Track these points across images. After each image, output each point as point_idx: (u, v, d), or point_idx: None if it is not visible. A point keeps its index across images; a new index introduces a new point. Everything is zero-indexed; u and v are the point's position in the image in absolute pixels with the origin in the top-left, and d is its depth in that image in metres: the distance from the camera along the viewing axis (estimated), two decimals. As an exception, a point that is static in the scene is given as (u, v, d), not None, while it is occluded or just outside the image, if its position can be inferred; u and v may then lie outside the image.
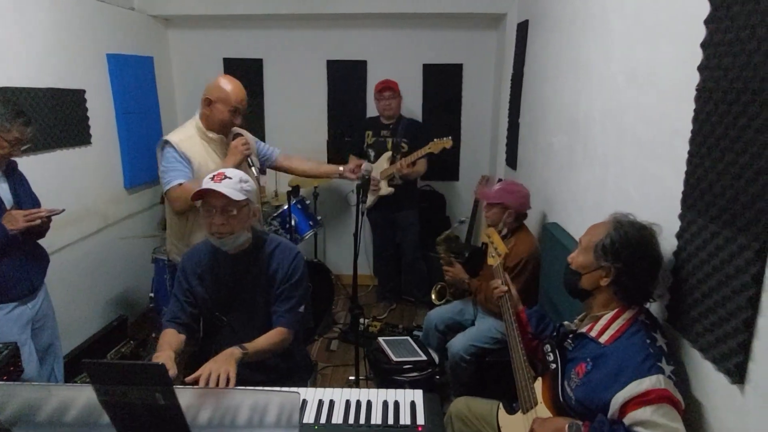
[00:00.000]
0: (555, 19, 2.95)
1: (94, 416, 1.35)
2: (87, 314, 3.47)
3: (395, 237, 4.34)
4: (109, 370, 1.21)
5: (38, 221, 2.29)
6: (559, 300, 2.39)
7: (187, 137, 2.59)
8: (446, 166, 4.66)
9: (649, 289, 1.57)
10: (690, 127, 1.50)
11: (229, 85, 2.61)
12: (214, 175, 1.86)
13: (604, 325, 1.59)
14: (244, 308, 2.03)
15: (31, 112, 2.89)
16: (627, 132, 1.98)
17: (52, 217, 2.39)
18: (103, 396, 1.23)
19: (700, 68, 1.46)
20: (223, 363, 1.67)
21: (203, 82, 2.75)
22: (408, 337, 3.16)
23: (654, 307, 1.69)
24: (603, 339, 1.57)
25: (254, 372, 1.96)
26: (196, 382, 1.61)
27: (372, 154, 4.09)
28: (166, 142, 2.55)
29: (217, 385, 1.58)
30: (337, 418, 1.52)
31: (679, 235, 1.55)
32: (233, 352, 1.75)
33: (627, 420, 1.38)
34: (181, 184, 2.46)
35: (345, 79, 4.62)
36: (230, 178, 1.85)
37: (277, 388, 1.56)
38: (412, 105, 4.58)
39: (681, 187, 1.54)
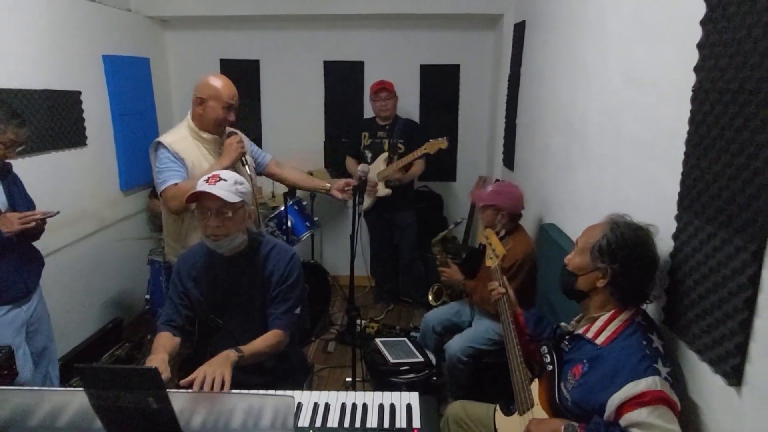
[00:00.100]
0: (552, 20, 2.94)
1: (87, 421, 1.34)
2: (82, 316, 3.46)
3: (392, 238, 4.32)
4: (102, 375, 1.20)
5: (33, 223, 2.28)
6: (556, 301, 2.39)
7: (181, 138, 2.58)
8: (443, 166, 4.66)
9: (645, 290, 1.57)
10: (686, 128, 1.50)
11: (219, 81, 2.59)
12: (208, 178, 1.85)
13: (601, 327, 1.58)
14: (239, 311, 2.02)
15: (26, 114, 2.88)
16: (624, 133, 1.97)
17: (47, 219, 2.38)
18: (95, 400, 1.22)
19: (696, 69, 1.46)
20: (219, 366, 1.66)
21: (200, 83, 2.74)
22: (405, 339, 3.15)
23: (651, 309, 1.68)
24: (599, 340, 1.56)
25: (250, 374, 1.94)
26: (191, 386, 1.60)
27: (369, 155, 4.11)
28: (159, 143, 2.53)
29: (212, 388, 1.57)
30: (333, 421, 1.51)
31: (675, 237, 1.55)
32: (228, 355, 1.74)
33: (623, 421, 1.38)
34: (176, 184, 2.45)
35: (342, 79, 4.62)
36: (225, 180, 1.84)
37: (272, 392, 1.56)
38: (410, 106, 4.57)
39: (677, 188, 1.54)
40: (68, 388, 1.47)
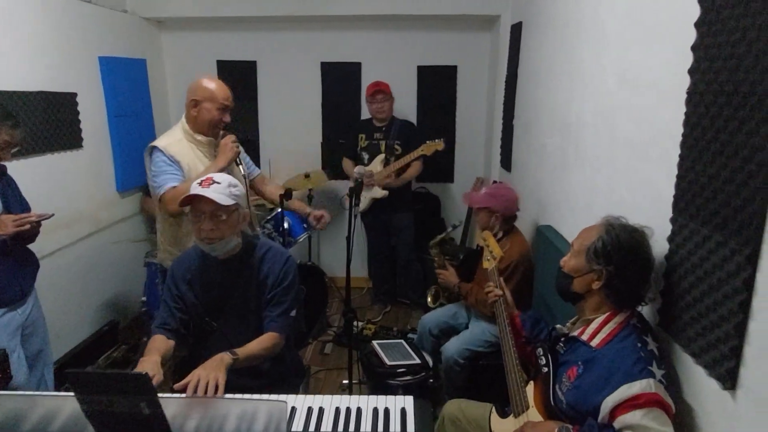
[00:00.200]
0: (548, 21, 2.94)
1: (80, 426, 1.33)
2: (78, 319, 3.45)
3: (390, 239, 4.32)
4: (93, 380, 1.19)
5: (28, 226, 2.26)
6: (553, 303, 2.38)
7: (176, 141, 2.58)
8: (441, 168, 4.65)
9: (640, 292, 1.56)
10: (681, 130, 1.49)
11: (212, 83, 2.59)
12: (202, 180, 1.84)
13: (596, 329, 1.58)
14: (234, 313, 2.01)
15: (21, 116, 2.87)
16: (619, 134, 1.97)
17: (42, 222, 2.37)
18: (87, 406, 1.21)
19: (691, 71, 1.45)
20: (213, 369, 1.65)
21: (197, 84, 2.74)
22: (402, 341, 3.14)
23: (646, 311, 1.68)
24: (594, 342, 1.56)
25: (245, 377, 1.93)
26: (184, 389, 1.59)
27: (366, 157, 4.10)
28: (154, 147, 2.53)
29: (206, 392, 1.56)
30: (327, 425, 1.50)
31: (670, 239, 1.54)
32: (223, 358, 1.73)
33: (617, 424, 1.37)
34: (174, 187, 2.44)
35: (339, 81, 4.61)
36: (219, 182, 1.83)
37: (265, 396, 1.55)
38: (407, 107, 4.56)
39: (672, 191, 1.53)
40: (60, 393, 1.45)
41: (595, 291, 1.58)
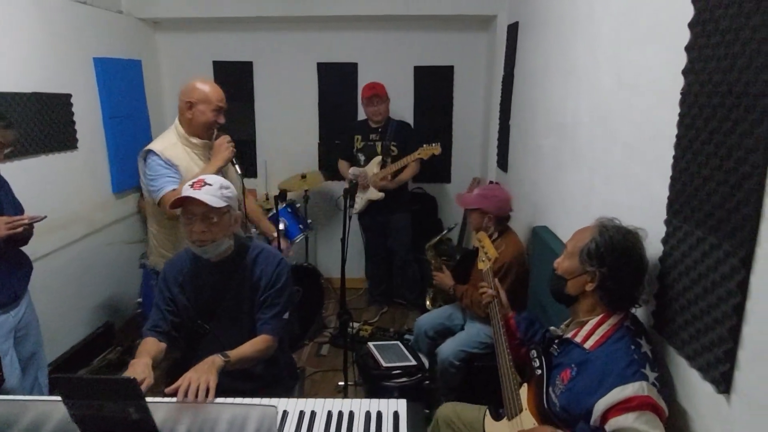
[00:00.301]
0: (544, 21, 2.93)
1: (70, 431, 1.32)
2: (73, 321, 3.43)
3: (387, 240, 4.30)
4: (80, 385, 1.17)
5: (20, 229, 2.25)
6: (548, 304, 2.37)
7: (170, 144, 2.58)
8: (438, 168, 4.64)
9: (634, 294, 1.55)
10: (676, 131, 1.48)
11: (206, 85, 2.60)
12: (193, 182, 1.83)
13: (589, 331, 1.57)
14: (227, 316, 2.00)
15: (15, 117, 2.86)
16: (614, 135, 1.96)
17: (35, 224, 2.35)
18: (75, 411, 1.20)
19: (685, 72, 1.44)
20: (204, 372, 1.64)
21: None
22: (398, 342, 3.13)
23: (641, 313, 1.67)
24: (588, 345, 1.55)
25: (238, 380, 1.92)
26: (176, 393, 1.58)
27: (362, 158, 4.09)
28: (149, 151, 2.52)
29: (197, 395, 1.55)
30: (318, 430, 1.49)
31: (665, 241, 1.53)
32: (215, 361, 1.72)
33: (609, 427, 1.36)
34: (174, 190, 2.44)
35: (336, 81, 4.60)
36: (210, 184, 1.82)
37: (256, 401, 1.54)
38: (403, 107, 4.55)
39: (667, 192, 1.52)
40: (50, 398, 1.44)
41: (589, 293, 1.57)
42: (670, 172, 1.51)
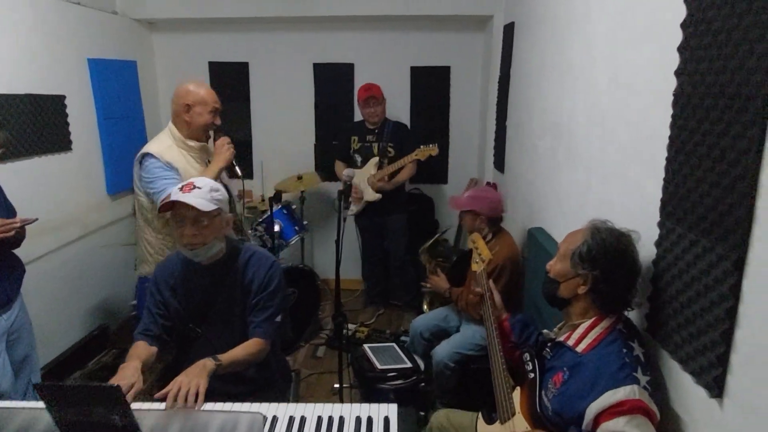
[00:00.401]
0: (540, 21, 2.92)
1: (56, 437, 1.31)
2: (67, 324, 3.41)
3: (384, 241, 4.29)
4: (64, 393, 1.16)
5: (12, 232, 2.23)
6: (543, 306, 2.35)
7: (167, 147, 2.57)
8: (435, 169, 4.62)
9: (627, 297, 1.54)
10: (668, 132, 1.47)
11: (201, 87, 2.62)
12: (183, 186, 1.81)
13: (582, 334, 1.55)
14: (219, 319, 1.98)
15: (8, 119, 2.84)
16: (609, 136, 1.95)
17: (26, 226, 2.33)
18: (59, 418, 1.18)
19: (677, 72, 1.43)
20: (195, 376, 1.63)
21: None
22: (394, 344, 3.12)
23: (634, 317, 1.65)
24: (580, 348, 1.53)
25: (230, 384, 1.92)
26: (166, 398, 1.57)
27: (359, 159, 4.08)
28: (147, 154, 2.51)
29: (186, 399, 1.53)
30: (308, 435, 1.48)
31: (658, 243, 1.52)
32: (206, 364, 1.70)
33: (600, 431, 1.35)
34: None
35: (332, 82, 4.58)
36: (200, 188, 1.80)
37: (245, 407, 1.52)
38: (400, 108, 4.54)
39: (660, 194, 1.51)
40: (36, 405, 1.42)
41: (581, 296, 1.56)
42: (663, 174, 1.49)
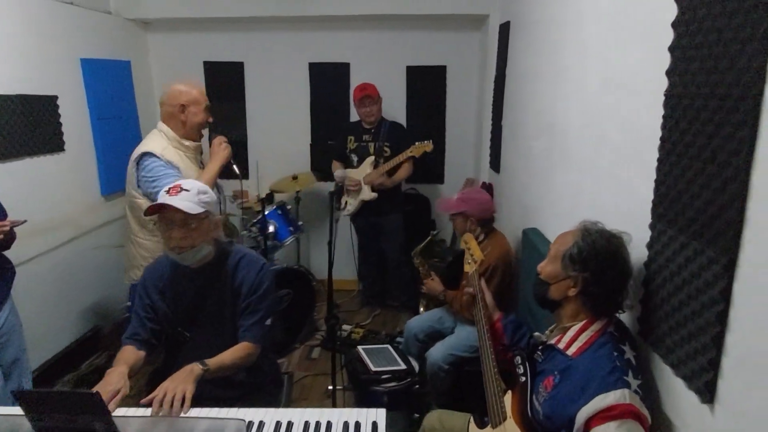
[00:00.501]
0: (534, 21, 2.90)
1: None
2: (60, 326, 3.39)
3: (380, 241, 4.27)
4: (43, 399, 1.14)
5: (1, 236, 2.21)
6: (537, 307, 2.32)
7: (163, 147, 2.56)
8: (431, 169, 4.61)
9: (618, 299, 1.52)
10: (660, 133, 1.45)
11: (192, 86, 2.64)
12: (170, 188, 1.79)
13: (572, 337, 1.53)
14: (208, 323, 1.96)
15: (-1, 119, 2.83)
16: (601, 137, 1.93)
17: (16, 228, 2.31)
18: (38, 425, 1.16)
19: (668, 72, 1.41)
20: (181, 382, 1.61)
21: (184, 85, 2.72)
22: (388, 346, 3.09)
23: (627, 320, 1.63)
24: (571, 351, 1.51)
25: (219, 388, 1.89)
26: (154, 404, 1.55)
27: (355, 159, 4.06)
28: (148, 153, 2.51)
29: (172, 405, 1.52)
30: (295, 440, 1.46)
31: (649, 246, 1.50)
32: (192, 369, 1.68)
33: None
34: None
35: (328, 81, 4.56)
36: (187, 190, 1.78)
37: (233, 412, 1.50)
38: (396, 107, 4.52)
39: (651, 195, 1.49)
40: (16, 411, 1.40)
41: (572, 298, 1.54)
42: (654, 175, 1.47)
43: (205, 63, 4.54)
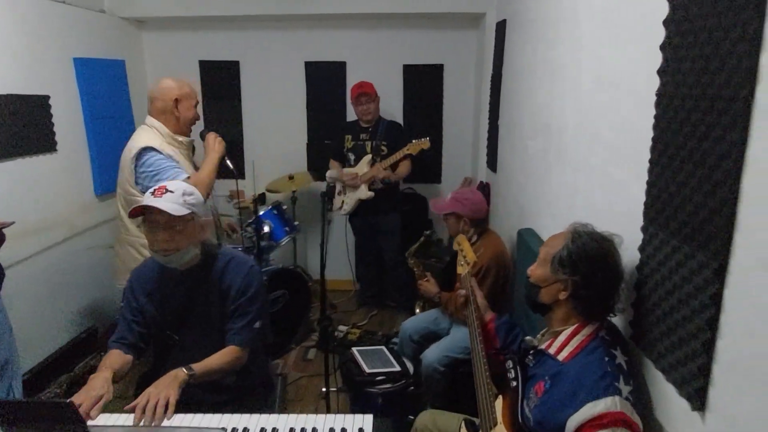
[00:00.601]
0: (529, 19, 2.87)
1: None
2: (53, 327, 3.36)
3: (377, 241, 4.24)
4: (16, 409, 1.12)
5: None
6: (531, 310, 2.31)
7: (159, 144, 2.54)
8: (428, 168, 4.58)
9: (609, 303, 1.49)
10: (652, 134, 1.42)
11: (183, 82, 2.66)
12: (155, 189, 1.76)
13: (563, 342, 1.51)
14: (197, 326, 1.93)
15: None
16: (595, 137, 1.90)
17: (6, 230, 2.29)
18: (13, 434, 1.14)
19: (660, 72, 1.38)
20: (165, 387, 1.58)
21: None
22: (383, 347, 3.08)
23: (619, 323, 1.60)
24: (561, 356, 1.49)
25: (207, 392, 1.87)
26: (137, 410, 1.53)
27: (352, 158, 4.04)
28: (148, 148, 2.50)
29: (155, 412, 1.49)
30: (280, 446, 1.44)
31: (641, 248, 1.47)
32: (177, 375, 1.66)
33: None
34: (189, 178, 2.46)
35: (324, 80, 4.53)
36: (172, 191, 1.75)
37: (217, 418, 1.48)
38: (393, 106, 4.49)
39: (644, 197, 1.46)
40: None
41: (562, 301, 1.51)
42: (646, 177, 1.45)
43: (201, 62, 4.52)
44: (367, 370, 2.82)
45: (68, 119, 3.47)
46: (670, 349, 1.31)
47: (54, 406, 1.14)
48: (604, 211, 1.78)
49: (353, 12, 4.08)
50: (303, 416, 1.54)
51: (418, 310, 3.52)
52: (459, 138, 4.61)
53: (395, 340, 3.47)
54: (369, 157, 3.96)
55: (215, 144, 2.67)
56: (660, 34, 1.38)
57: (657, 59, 1.39)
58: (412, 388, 2.82)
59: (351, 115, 4.26)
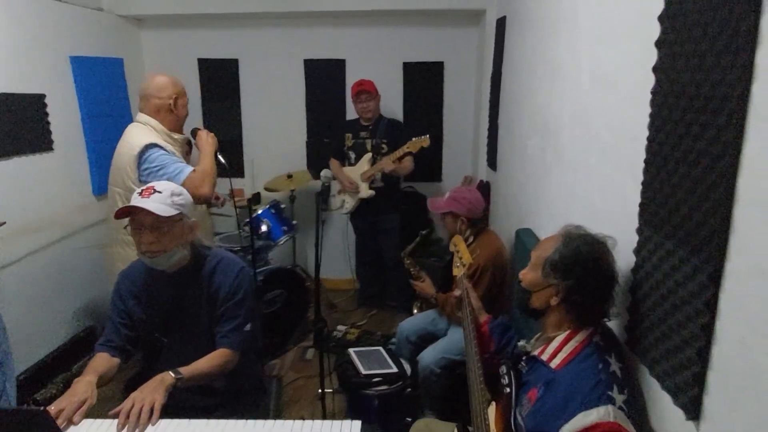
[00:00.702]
0: (529, 16, 2.82)
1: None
2: (51, 326, 3.34)
3: (377, 241, 4.21)
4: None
5: None
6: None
7: (159, 141, 2.53)
8: (429, 166, 4.53)
9: (603, 307, 1.44)
10: (647, 133, 1.38)
11: (176, 79, 2.66)
12: (142, 190, 1.73)
13: (556, 348, 1.46)
14: (186, 329, 1.90)
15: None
16: (592, 136, 1.86)
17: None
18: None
19: (655, 69, 1.34)
20: (150, 392, 1.55)
21: (178, 83, 2.71)
22: (380, 348, 3.03)
23: (615, 328, 1.56)
24: (554, 363, 1.44)
25: (197, 396, 1.85)
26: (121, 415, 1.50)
27: (353, 156, 4.01)
28: (151, 144, 2.48)
29: (139, 417, 1.46)
30: (265, 454, 1.41)
31: (636, 251, 1.43)
32: (164, 379, 1.63)
33: None
34: (195, 171, 2.46)
35: (323, 78, 4.50)
36: (160, 192, 1.72)
37: (203, 423, 1.45)
38: (393, 104, 4.45)
39: (639, 199, 1.42)
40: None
41: (555, 307, 1.47)
42: (641, 177, 1.41)
43: (200, 60, 4.48)
44: (363, 372, 2.78)
45: (65, 118, 3.44)
46: (665, 356, 1.27)
47: (28, 414, 1.12)
48: (601, 212, 1.74)
49: (353, 9, 4.04)
50: (289, 422, 1.51)
51: (415, 311, 3.48)
52: (460, 136, 4.56)
53: (394, 340, 3.44)
54: (369, 155, 3.93)
55: (208, 138, 2.68)
56: (654, 30, 1.34)
57: (653, 57, 1.35)
58: (409, 389, 2.78)
59: (350, 113, 4.22)
